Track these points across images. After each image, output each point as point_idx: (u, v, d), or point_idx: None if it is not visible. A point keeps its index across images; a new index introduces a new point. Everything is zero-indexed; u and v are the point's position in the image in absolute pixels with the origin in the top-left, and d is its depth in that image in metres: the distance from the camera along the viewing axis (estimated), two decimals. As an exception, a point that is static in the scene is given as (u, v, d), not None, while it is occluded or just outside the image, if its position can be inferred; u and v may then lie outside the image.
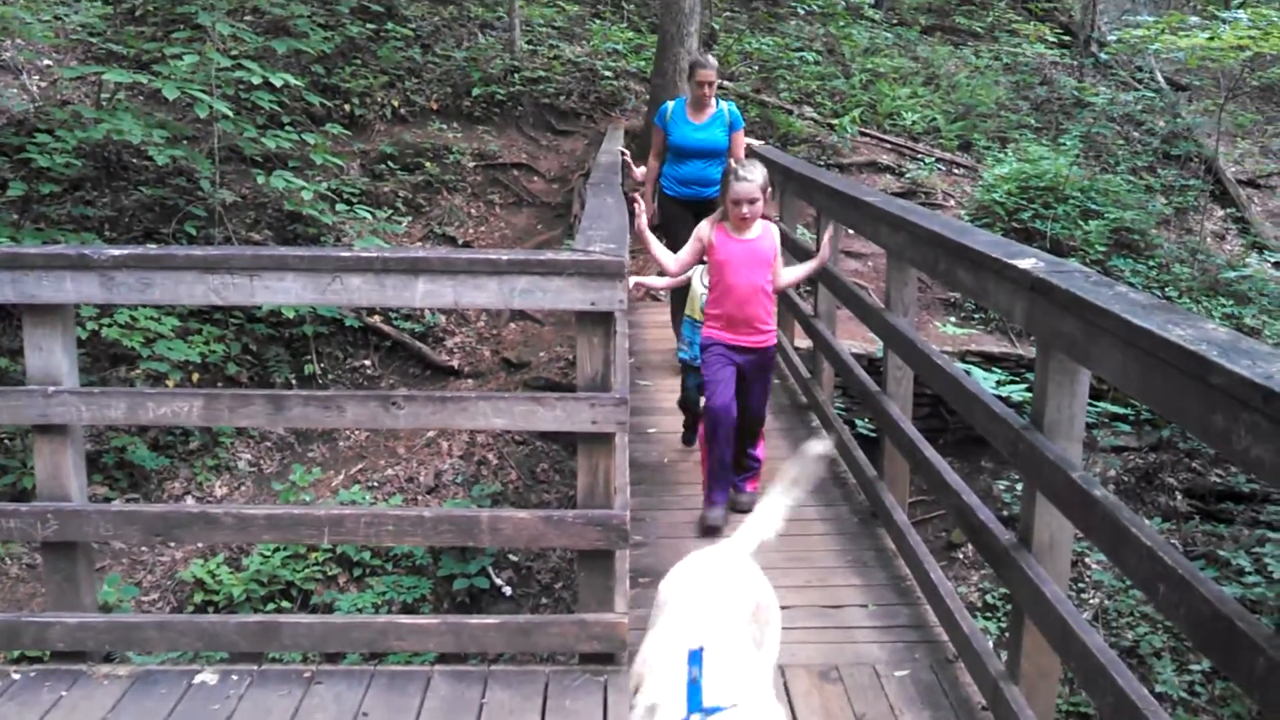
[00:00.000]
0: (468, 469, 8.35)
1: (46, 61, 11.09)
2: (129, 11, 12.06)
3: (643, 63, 13.76)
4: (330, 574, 7.32)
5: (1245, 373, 2.05)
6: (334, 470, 8.33)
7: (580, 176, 11.32)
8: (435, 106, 12.57)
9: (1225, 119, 13.75)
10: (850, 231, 8.32)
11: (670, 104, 7.12)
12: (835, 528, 5.20)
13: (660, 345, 8.47)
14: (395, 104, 12.35)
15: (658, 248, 5.20)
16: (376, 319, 9.49)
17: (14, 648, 4.27)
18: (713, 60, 6.96)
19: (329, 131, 10.69)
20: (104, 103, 9.85)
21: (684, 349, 5.90)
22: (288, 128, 9.95)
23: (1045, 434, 3.12)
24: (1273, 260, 12.27)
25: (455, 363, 9.46)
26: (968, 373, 8.01)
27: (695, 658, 2.17)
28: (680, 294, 6.61)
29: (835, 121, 13.10)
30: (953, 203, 12.02)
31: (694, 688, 2.08)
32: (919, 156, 12.97)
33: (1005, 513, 7.96)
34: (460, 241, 10.92)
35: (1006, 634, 5.17)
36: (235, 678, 3.74)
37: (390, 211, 10.70)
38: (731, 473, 5.19)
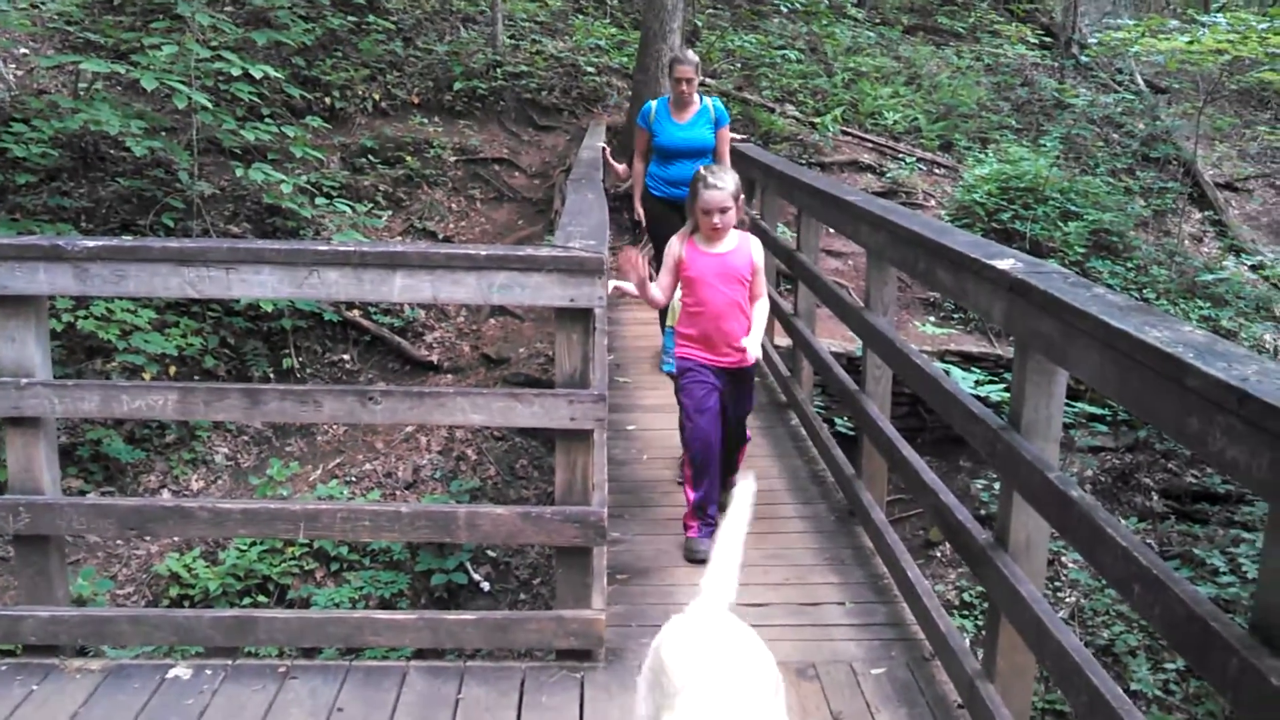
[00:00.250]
0: (446, 464, 8.33)
1: (23, 50, 10.99)
2: (107, 0, 11.96)
3: (625, 59, 13.74)
4: (307, 569, 7.29)
5: (1221, 375, 2.06)
6: (312, 465, 8.29)
7: (561, 172, 11.29)
8: (416, 100, 12.52)
9: (1204, 122, 13.85)
10: (831, 230, 8.33)
11: (653, 103, 6.96)
12: (813, 526, 5.21)
13: (640, 342, 8.47)
14: (376, 97, 12.30)
15: (651, 289, 4.71)
16: (355, 313, 9.44)
17: (-15, 641, 4.23)
18: (692, 56, 6.83)
19: (309, 124, 10.64)
20: (81, 92, 9.77)
21: (668, 361, 5.77)
22: (267, 120, 9.89)
23: (1023, 434, 3.13)
24: (1249, 263, 12.37)
25: (435, 358, 9.43)
26: (946, 372, 8.04)
27: None
28: None
29: (817, 120, 13.12)
30: (933, 203, 12.06)
31: None
32: (900, 156, 13.00)
33: (983, 512, 8.00)
34: (440, 236, 10.89)
35: (983, 632, 5.19)
36: (209, 672, 3.71)
37: (370, 206, 10.66)
38: (715, 502, 4.88)
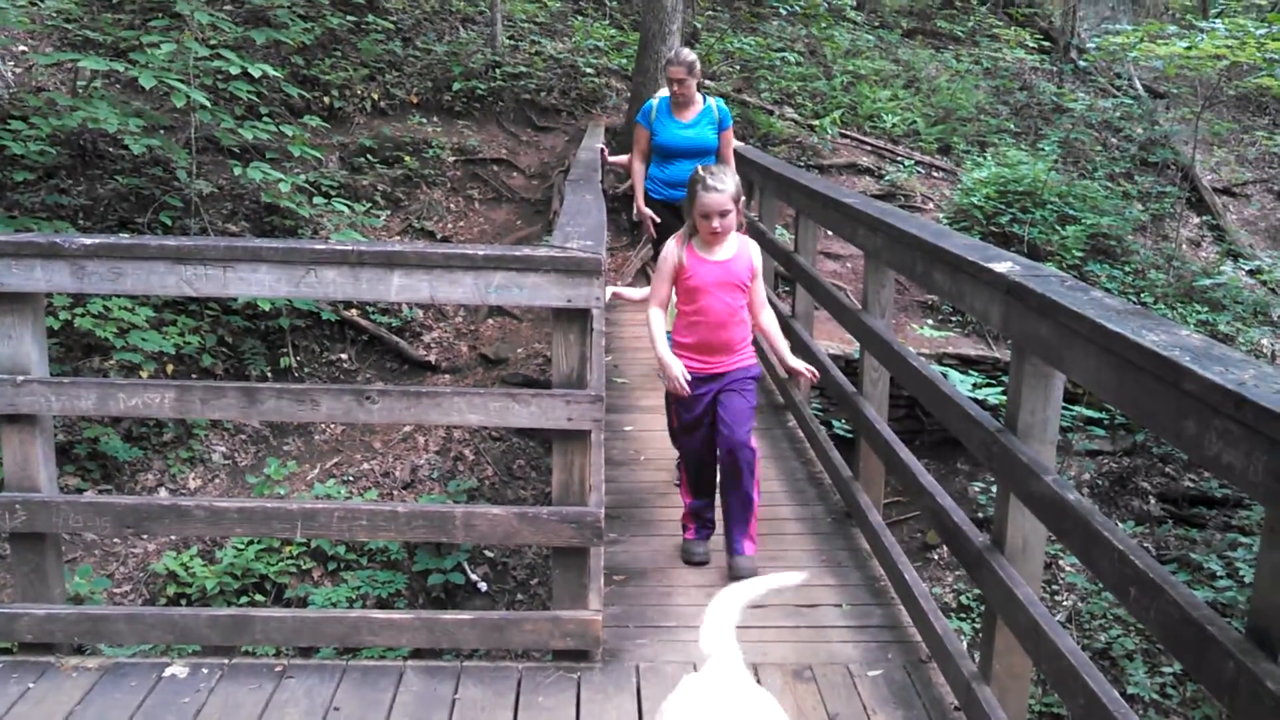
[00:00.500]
0: (444, 465, 8.33)
1: (21, 48, 10.98)
2: (106, -1, 11.95)
3: (624, 60, 13.75)
4: (305, 568, 7.28)
5: (1217, 379, 2.06)
6: (309, 464, 8.28)
7: (560, 173, 11.29)
8: (415, 100, 12.52)
9: (1202, 127, 13.86)
10: (829, 233, 8.34)
11: (654, 101, 6.81)
12: (810, 527, 5.21)
13: (638, 343, 8.47)
14: (375, 97, 12.29)
15: (655, 319, 4.48)
16: (353, 313, 9.44)
17: (-20, 639, 4.22)
18: (686, 55, 6.60)
19: (307, 124, 10.63)
20: (80, 90, 9.76)
21: None
22: (266, 119, 9.88)
23: (1019, 437, 3.13)
24: (1247, 268, 12.38)
25: (432, 358, 9.43)
26: (944, 375, 8.06)
27: None
28: None
29: (816, 123, 13.12)
30: (931, 206, 12.07)
31: None
32: (898, 159, 13.01)
33: (980, 515, 8.01)
34: (439, 236, 10.89)
35: (980, 635, 5.19)
36: (206, 671, 3.71)
37: (369, 205, 10.66)
38: (712, 525, 4.78)
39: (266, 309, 8.88)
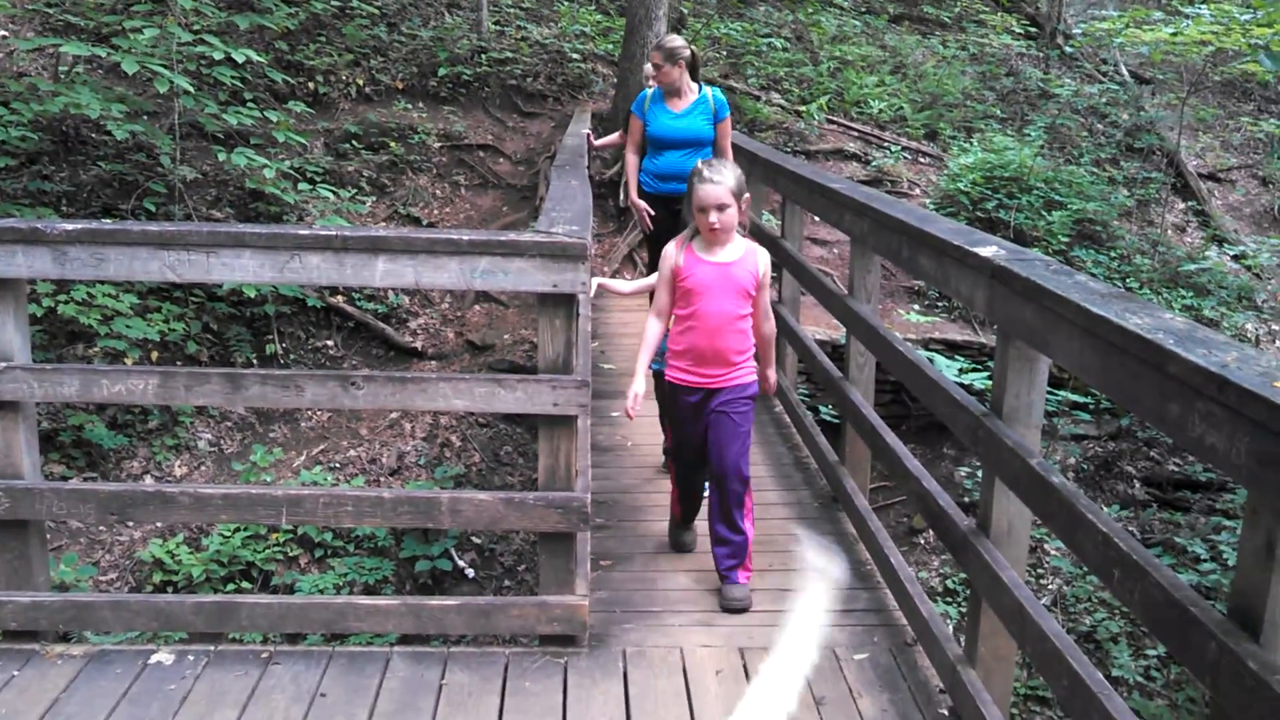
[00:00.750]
0: (431, 451, 8.32)
1: (2, 32, 10.88)
2: (89, -17, 11.86)
3: (611, 46, 13.71)
4: (291, 555, 7.27)
5: (1200, 361, 2.07)
6: (295, 451, 8.26)
7: (546, 159, 11.26)
8: (401, 86, 12.46)
9: (1187, 113, 13.89)
10: (816, 219, 8.33)
11: (649, 90, 6.57)
12: (797, 512, 5.22)
13: (624, 329, 8.46)
14: (360, 82, 12.23)
15: (648, 329, 4.31)
16: (339, 299, 9.41)
17: (-35, 627, 4.21)
18: (667, 42, 6.32)
19: (292, 109, 10.58)
20: (62, 75, 9.69)
21: (656, 360, 5.34)
22: (250, 104, 9.83)
23: (1004, 421, 3.14)
24: (1232, 253, 12.43)
25: (419, 344, 9.41)
26: (930, 360, 8.07)
27: None
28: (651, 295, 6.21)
29: (802, 108, 13.11)
30: (918, 191, 12.08)
31: None
32: (885, 145, 13.01)
33: (966, 499, 8.05)
34: (425, 222, 10.85)
35: (965, 618, 5.21)
36: (191, 658, 3.70)
37: (354, 191, 10.61)
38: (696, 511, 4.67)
39: (252, 296, 8.84)
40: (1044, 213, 11.18)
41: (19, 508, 3.61)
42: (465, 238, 3.49)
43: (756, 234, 7.55)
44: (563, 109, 12.72)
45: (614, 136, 7.74)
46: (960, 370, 8.72)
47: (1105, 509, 8.18)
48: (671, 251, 4.19)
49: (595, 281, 4.78)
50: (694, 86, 6.41)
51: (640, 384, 4.19)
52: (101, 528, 7.26)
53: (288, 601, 3.83)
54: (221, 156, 8.92)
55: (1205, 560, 7.48)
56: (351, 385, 3.59)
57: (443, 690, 3.55)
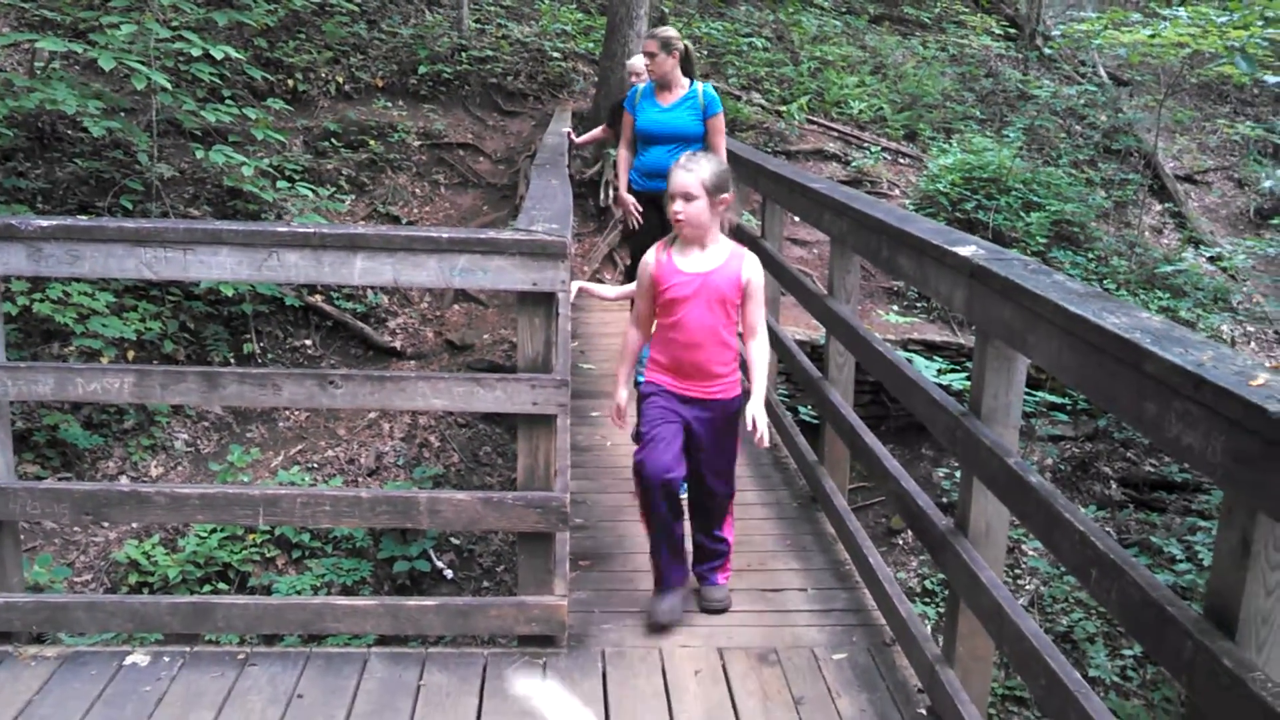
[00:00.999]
0: (409, 451, 8.29)
1: (-22, 28, 10.79)
2: (65, -21, 11.77)
3: (591, 44, 13.69)
4: (269, 556, 7.23)
5: (1177, 360, 2.08)
6: (273, 451, 8.22)
7: (526, 158, 11.24)
8: (380, 84, 12.42)
9: (1165, 115, 13.99)
10: (796, 219, 8.34)
11: (641, 85, 6.38)
12: (775, 512, 5.23)
13: (604, 329, 8.46)
14: (340, 80, 12.18)
15: (628, 340, 4.11)
16: (317, 298, 9.36)
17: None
18: (662, 30, 6.15)
19: (271, 107, 10.52)
20: (38, 71, 9.60)
21: (642, 372, 4.71)
22: (228, 102, 9.77)
23: (983, 420, 3.15)
24: (1208, 255, 12.52)
25: (398, 344, 9.37)
26: (909, 360, 8.10)
27: None
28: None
29: (783, 108, 13.14)
30: (898, 192, 12.12)
31: None
32: (865, 145, 13.05)
33: (944, 500, 8.07)
34: (404, 221, 10.82)
35: (943, 618, 5.22)
36: (167, 659, 3.67)
37: (333, 190, 10.56)
38: (686, 558, 4.17)
39: (229, 294, 8.79)
40: (1022, 214, 11.24)
41: (-8, 507, 3.57)
42: (444, 235, 3.47)
43: (737, 234, 7.56)
44: (543, 108, 12.71)
45: (596, 131, 7.69)
46: (939, 371, 8.75)
47: (1082, 509, 8.22)
48: (651, 258, 3.95)
49: (577, 285, 4.68)
50: (685, 82, 6.20)
51: (623, 394, 4.04)
52: (76, 528, 7.20)
53: (264, 602, 3.80)
54: (200, 154, 8.86)
55: (1181, 560, 7.53)
56: (330, 384, 3.57)
57: (421, 691, 3.54)
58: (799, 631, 4.05)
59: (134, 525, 7.21)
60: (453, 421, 8.58)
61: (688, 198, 3.78)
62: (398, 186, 11.20)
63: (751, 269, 3.88)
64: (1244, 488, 1.91)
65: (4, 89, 8.57)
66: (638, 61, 7.02)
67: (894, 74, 14.85)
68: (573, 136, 7.97)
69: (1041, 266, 3.07)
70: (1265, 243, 12.45)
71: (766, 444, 3.74)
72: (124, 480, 7.54)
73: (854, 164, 12.51)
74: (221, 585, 6.94)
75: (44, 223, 3.41)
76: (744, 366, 4.14)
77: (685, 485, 4.16)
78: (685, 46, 6.13)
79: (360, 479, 8.02)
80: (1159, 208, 13.70)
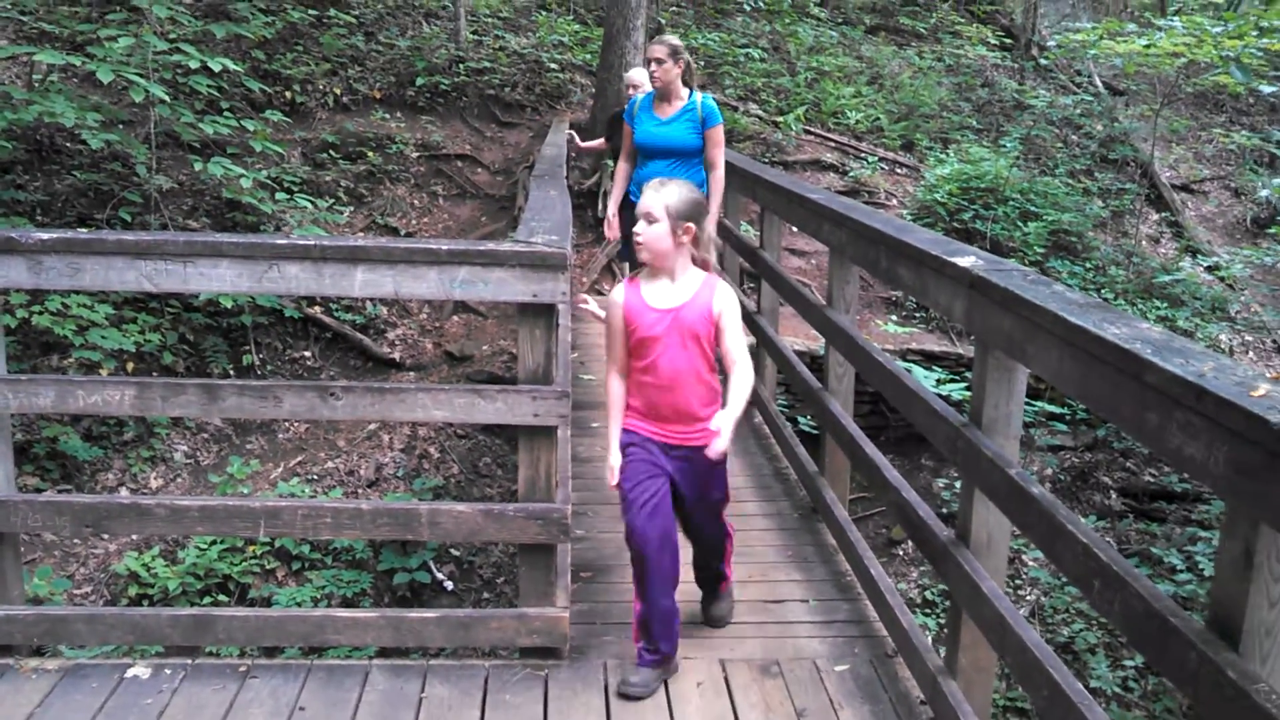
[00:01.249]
0: (409, 462, 8.28)
1: (-23, 41, 10.80)
2: (64, -8, 11.79)
3: (589, 56, 13.72)
4: (269, 568, 7.22)
5: (1178, 371, 2.08)
6: (273, 463, 8.21)
7: (524, 169, 11.26)
8: (378, 95, 12.44)
9: (1161, 124, 14.02)
10: (794, 229, 8.35)
11: (639, 97, 6.25)
12: (776, 523, 5.22)
13: (604, 340, 8.44)
14: (337, 92, 12.20)
15: (612, 391, 3.78)
16: (317, 310, 9.37)
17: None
18: (673, 40, 6.02)
19: (269, 119, 10.53)
20: (36, 84, 9.62)
21: None
22: (227, 114, 9.78)
23: (983, 431, 3.15)
24: (1205, 264, 12.54)
25: (397, 355, 9.37)
26: (908, 371, 8.10)
27: None
28: None
29: (780, 119, 13.16)
30: (895, 202, 12.13)
31: None
32: (862, 155, 13.07)
33: (945, 510, 8.07)
34: (403, 232, 10.83)
35: (945, 630, 5.22)
36: (169, 672, 3.67)
37: (331, 201, 10.57)
38: (676, 634, 3.73)
39: (228, 306, 8.79)
40: (1020, 223, 11.26)
41: (-8, 521, 3.57)
42: (444, 248, 3.48)
43: (735, 243, 7.58)
44: (541, 119, 12.73)
45: (598, 142, 7.69)
46: (938, 381, 8.75)
47: (1082, 520, 8.22)
48: (619, 296, 3.64)
49: (593, 301, 4.58)
50: (684, 93, 6.04)
51: (617, 455, 3.69)
52: (76, 540, 7.19)
53: (265, 614, 3.80)
54: (198, 166, 8.87)
55: (1181, 571, 7.52)
56: (330, 396, 3.57)
57: (422, 703, 3.53)
58: (801, 643, 4.04)
59: (134, 537, 7.20)
60: (452, 433, 8.58)
61: (649, 219, 3.51)
62: (396, 198, 11.21)
63: (723, 299, 3.59)
64: (1246, 499, 1.91)
65: (3, 102, 8.58)
66: (636, 74, 7.02)
67: (890, 84, 14.89)
68: (576, 138, 7.91)
69: (1041, 277, 3.08)
70: (1262, 252, 12.48)
71: (714, 455, 3.41)
72: (123, 492, 7.53)
73: (851, 174, 12.54)
74: (222, 597, 6.93)
75: (45, 236, 3.42)
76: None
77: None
78: (687, 59, 6.03)
79: (360, 490, 8.01)
80: (1156, 217, 13.72)
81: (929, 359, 9.54)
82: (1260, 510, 1.89)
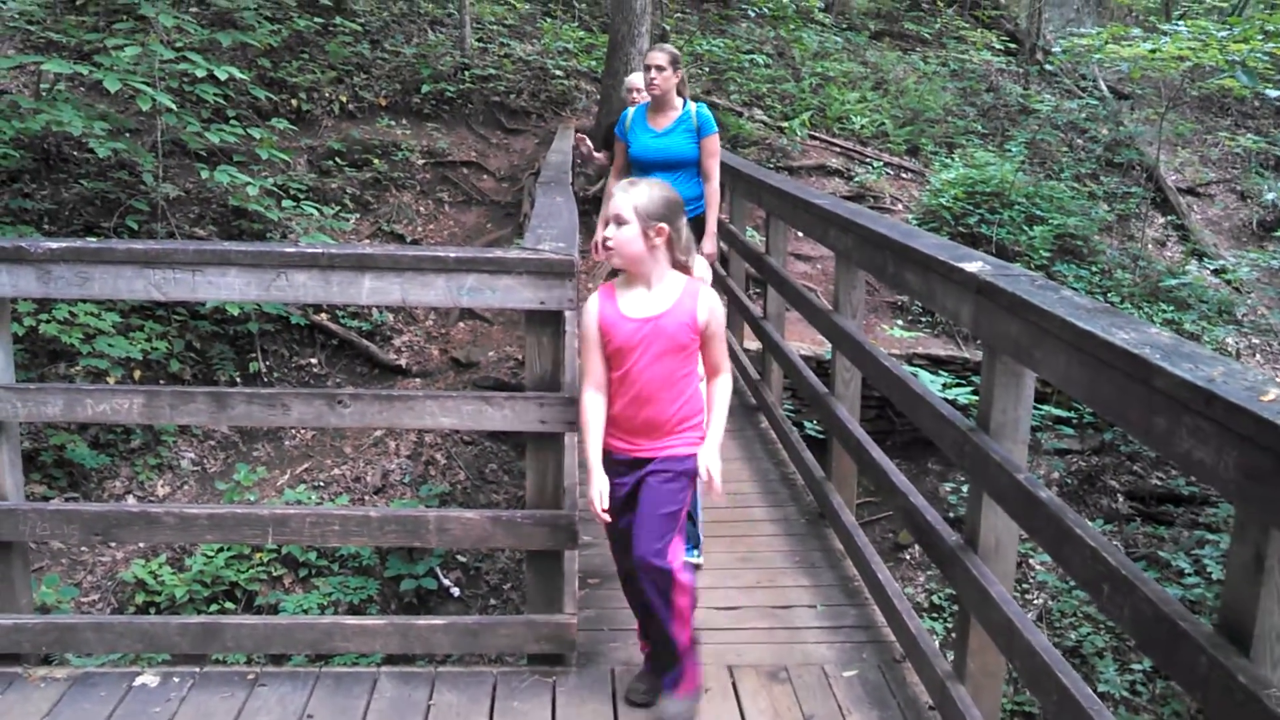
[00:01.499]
0: (415, 469, 8.29)
1: (-16, 51, 10.84)
2: (69, 0, 11.83)
3: (594, 62, 13.74)
4: (275, 575, 7.22)
5: (1188, 376, 2.08)
6: (279, 470, 8.22)
7: (530, 175, 11.27)
8: (384, 103, 12.46)
9: (1166, 128, 14.01)
10: (799, 234, 8.35)
11: (631, 110, 6.13)
12: (783, 528, 5.22)
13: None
14: (343, 100, 12.23)
15: (587, 406, 3.42)
16: (323, 317, 9.38)
17: (-55, 650, 4.16)
18: (669, 46, 5.91)
19: (275, 126, 10.56)
20: (43, 93, 9.65)
21: None
22: (233, 122, 9.81)
23: (991, 436, 3.15)
24: (1212, 267, 12.53)
25: (403, 362, 9.38)
26: (914, 375, 8.10)
27: None
28: None
29: (785, 124, 13.17)
30: (900, 207, 12.13)
31: None
32: (867, 160, 13.07)
33: (951, 514, 8.06)
34: (409, 239, 10.84)
35: (953, 634, 5.21)
36: (177, 680, 3.67)
37: (338, 208, 10.59)
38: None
39: (235, 314, 8.81)
40: (1025, 228, 11.25)
41: (2, 529, 3.58)
42: (452, 255, 3.48)
43: (741, 249, 7.58)
44: (546, 125, 12.75)
45: (600, 156, 7.67)
46: (944, 385, 8.74)
47: (1090, 523, 8.20)
48: (593, 306, 3.39)
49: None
50: (679, 102, 5.95)
51: (601, 479, 3.36)
52: (83, 548, 7.20)
53: (274, 622, 3.80)
54: (204, 174, 8.90)
55: (1189, 574, 7.50)
56: (339, 404, 3.58)
57: (431, 711, 3.53)
58: (809, 648, 4.04)
59: (141, 545, 7.22)
60: (459, 439, 8.58)
61: (618, 221, 3.29)
62: (402, 205, 11.23)
63: (708, 307, 3.35)
64: (1257, 504, 1.91)
65: (10, 111, 8.62)
66: (636, 78, 7.01)
67: (895, 89, 14.89)
68: (587, 141, 7.83)
69: (1048, 282, 3.08)
70: (1269, 255, 12.46)
71: (719, 494, 3.33)
72: (131, 500, 7.55)
73: (856, 179, 12.54)
74: (229, 604, 6.94)
75: (54, 245, 3.43)
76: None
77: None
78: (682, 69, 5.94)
79: (366, 497, 8.01)
80: (1162, 220, 13.71)
81: (935, 363, 9.53)
82: (1271, 515, 1.88)
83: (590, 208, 11.07)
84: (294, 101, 11.83)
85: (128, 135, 9.37)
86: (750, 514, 5.35)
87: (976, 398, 3.32)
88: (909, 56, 16.30)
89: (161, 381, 8.21)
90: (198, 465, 8.09)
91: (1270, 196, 14.20)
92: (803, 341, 8.88)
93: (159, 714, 3.47)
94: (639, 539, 3.30)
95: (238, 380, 8.73)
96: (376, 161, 11.49)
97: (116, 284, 3.48)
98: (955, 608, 4.75)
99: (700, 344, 3.36)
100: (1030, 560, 8.02)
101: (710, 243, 6.10)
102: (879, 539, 8.43)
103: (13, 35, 10.98)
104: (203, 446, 8.25)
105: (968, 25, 17.70)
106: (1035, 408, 8.67)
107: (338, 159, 11.45)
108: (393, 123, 12.27)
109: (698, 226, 6.10)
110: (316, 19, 12.59)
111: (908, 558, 8.33)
